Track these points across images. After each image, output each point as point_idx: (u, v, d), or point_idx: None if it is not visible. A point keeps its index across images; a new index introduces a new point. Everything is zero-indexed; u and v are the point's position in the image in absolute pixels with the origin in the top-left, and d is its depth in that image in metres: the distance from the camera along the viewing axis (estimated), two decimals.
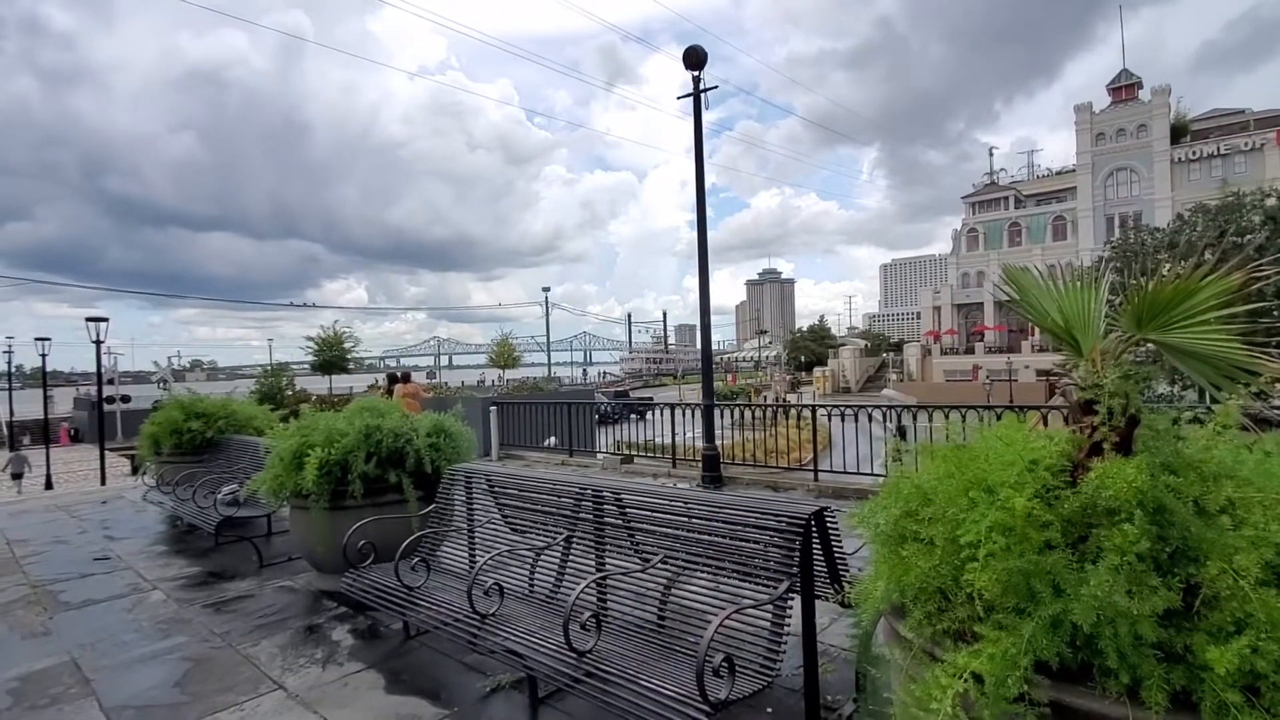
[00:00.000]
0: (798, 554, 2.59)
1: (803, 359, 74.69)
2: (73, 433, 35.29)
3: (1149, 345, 1.90)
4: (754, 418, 11.56)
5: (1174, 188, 48.50)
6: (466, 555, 4.13)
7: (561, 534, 3.61)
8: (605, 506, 3.50)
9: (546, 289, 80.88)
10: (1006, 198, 60.14)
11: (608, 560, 3.45)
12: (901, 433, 8.60)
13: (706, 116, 8.91)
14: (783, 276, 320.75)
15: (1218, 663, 1.29)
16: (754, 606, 2.60)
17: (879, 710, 1.93)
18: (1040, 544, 1.53)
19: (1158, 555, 1.45)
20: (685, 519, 3.21)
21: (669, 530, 3.21)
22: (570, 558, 3.59)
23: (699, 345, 10.58)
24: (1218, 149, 47.97)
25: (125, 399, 34.54)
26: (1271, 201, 15.48)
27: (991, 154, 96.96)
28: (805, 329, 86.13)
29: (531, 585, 3.63)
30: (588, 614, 2.73)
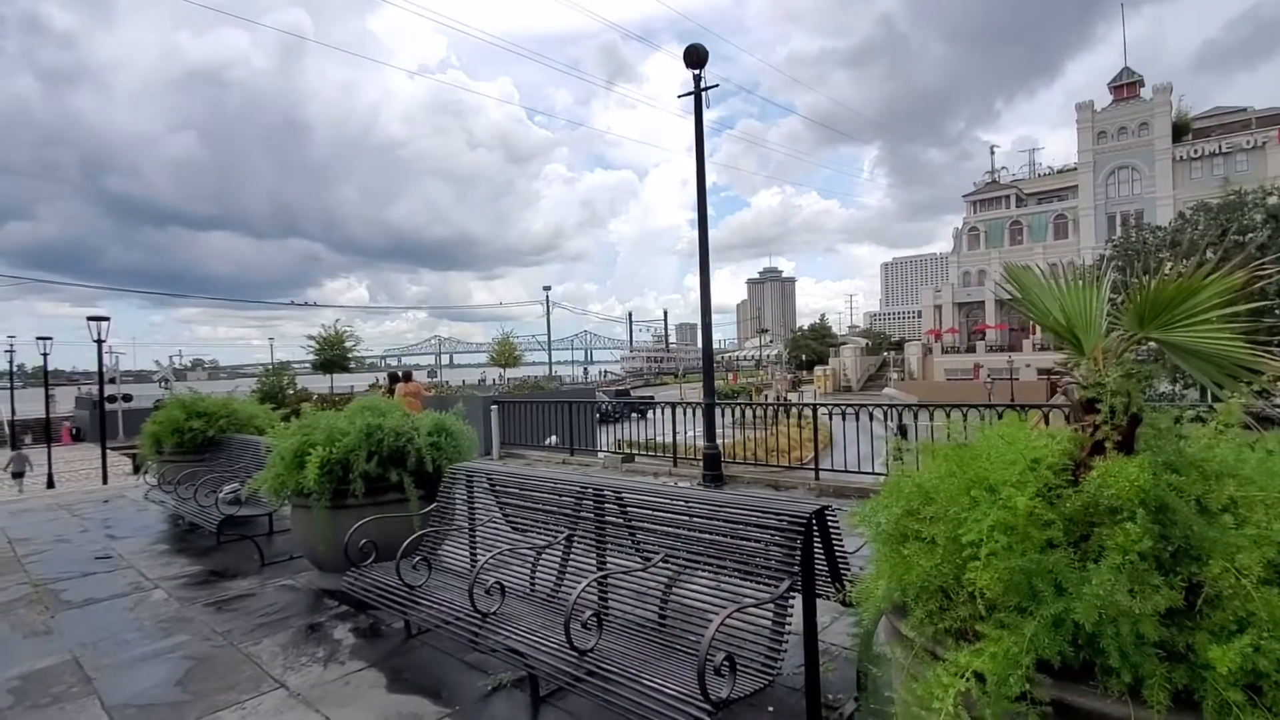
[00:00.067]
0: (799, 553, 2.59)
1: (804, 358, 74.67)
2: (75, 432, 35.33)
3: (1150, 344, 1.90)
4: (755, 416, 11.55)
5: (1175, 186, 48.41)
6: (468, 554, 4.13)
7: (563, 533, 3.61)
8: (606, 505, 3.50)
9: (547, 288, 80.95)
10: (1008, 196, 60.07)
11: (609, 559, 3.45)
12: (902, 431, 8.60)
13: (707, 115, 8.92)
14: (784, 275, 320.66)
15: (1220, 662, 1.28)
16: (755, 605, 2.60)
17: (880, 709, 1.93)
18: (1042, 543, 1.52)
19: (1160, 554, 1.44)
20: (686, 518, 3.21)
21: (670, 529, 3.21)
22: (571, 557, 3.59)
23: (700, 344, 10.58)
24: (1219, 147, 47.86)
25: (127, 398, 34.60)
26: (1273, 200, 15.46)
27: (993, 152, 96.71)
28: (806, 328, 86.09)
29: (533, 584, 3.63)
30: (589, 613, 2.73)
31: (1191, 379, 2.21)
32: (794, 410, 10.34)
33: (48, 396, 30.72)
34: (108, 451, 21.10)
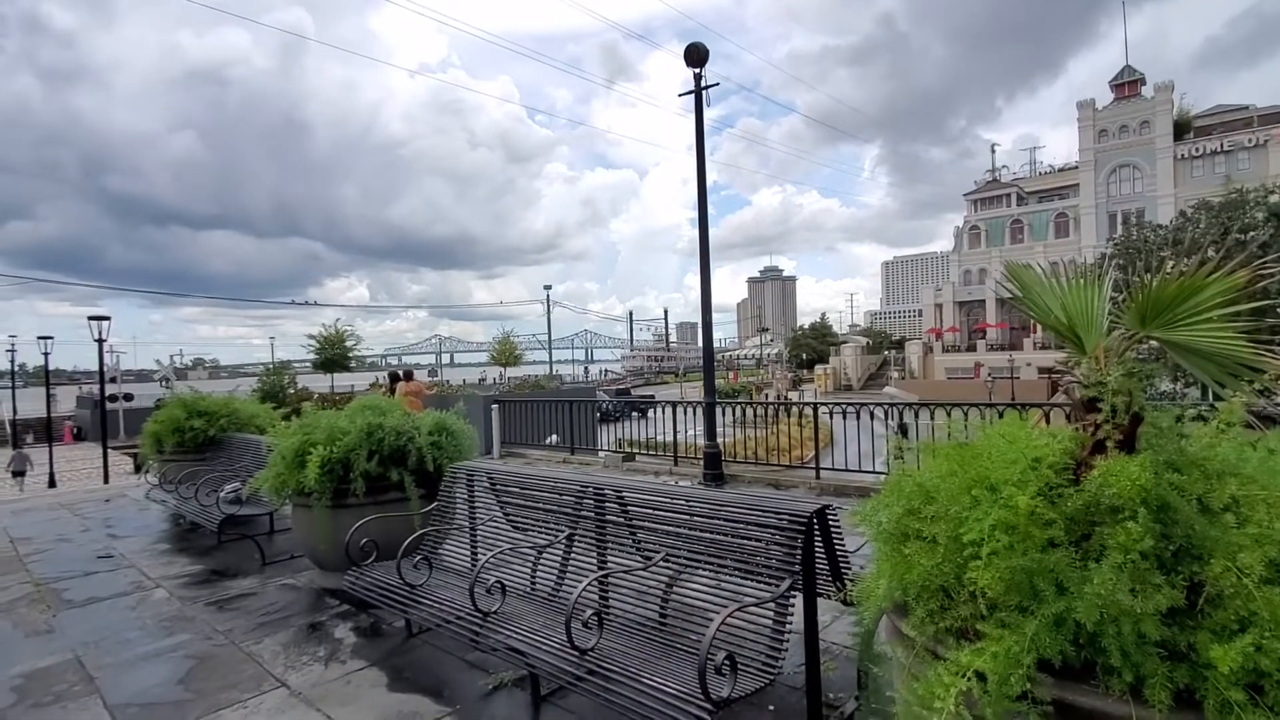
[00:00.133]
0: (800, 552, 2.58)
1: (804, 356, 74.63)
2: (76, 431, 35.38)
3: (1151, 343, 1.90)
4: (756, 415, 11.56)
5: (1177, 184, 48.34)
6: (468, 553, 4.14)
7: (563, 532, 3.61)
8: (607, 504, 3.50)
9: (548, 287, 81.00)
10: (1009, 195, 60.00)
11: (610, 558, 3.45)
12: (903, 430, 8.60)
13: (708, 114, 8.91)
14: (784, 274, 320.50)
15: (1221, 661, 1.28)
16: (756, 604, 2.60)
17: (881, 708, 1.93)
18: (1043, 542, 1.52)
19: (1161, 553, 1.44)
20: (687, 517, 3.21)
21: (671, 528, 3.21)
22: (572, 556, 3.59)
23: (700, 343, 10.58)
24: (1221, 145, 47.78)
25: (128, 397, 34.62)
26: (1275, 198, 15.44)
27: (994, 151, 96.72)
28: (807, 326, 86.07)
29: (533, 583, 3.63)
30: (590, 612, 2.73)
31: (1193, 378, 2.21)
32: (794, 409, 10.34)
33: (49, 396, 30.77)
34: (109, 451, 21.13)
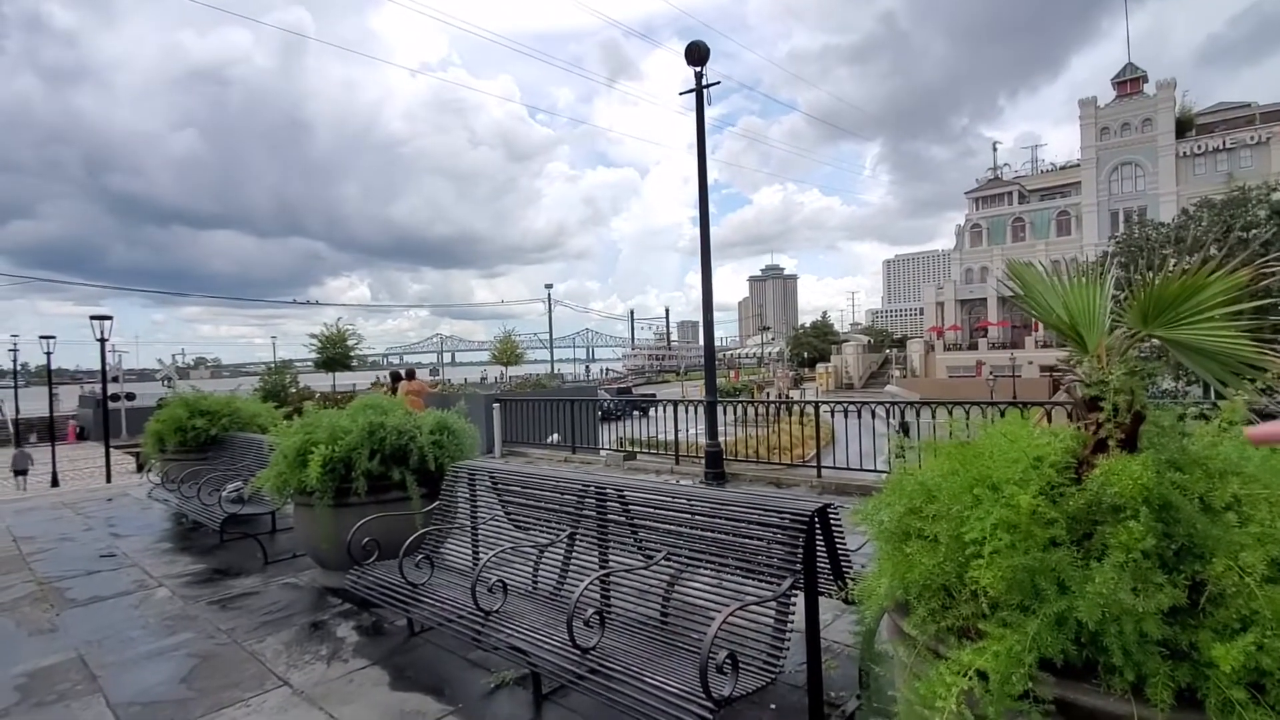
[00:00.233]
0: (801, 550, 2.59)
1: (805, 355, 74.57)
2: (79, 430, 35.45)
3: (1153, 341, 1.89)
4: (757, 414, 11.56)
5: (1179, 182, 48.23)
6: (470, 552, 4.14)
7: (565, 531, 3.62)
8: (608, 503, 3.50)
9: (549, 286, 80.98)
10: (1010, 193, 59.89)
11: (611, 557, 3.45)
12: (905, 429, 8.60)
13: (709, 112, 8.91)
14: (785, 273, 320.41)
15: (1223, 660, 1.28)
16: (757, 603, 2.60)
17: (883, 707, 1.93)
18: (1045, 541, 1.52)
19: (1163, 552, 1.44)
20: (688, 516, 3.21)
21: (672, 527, 3.21)
22: (574, 555, 3.59)
23: (702, 341, 10.57)
24: (1223, 143, 47.64)
25: (130, 396, 34.66)
26: (1277, 196, 15.40)
27: (995, 149, 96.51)
28: (808, 325, 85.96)
29: (535, 582, 3.64)
30: (591, 611, 2.74)
31: (1195, 376, 2.21)
32: (796, 408, 10.34)
33: (51, 395, 30.82)
34: (111, 450, 21.17)
